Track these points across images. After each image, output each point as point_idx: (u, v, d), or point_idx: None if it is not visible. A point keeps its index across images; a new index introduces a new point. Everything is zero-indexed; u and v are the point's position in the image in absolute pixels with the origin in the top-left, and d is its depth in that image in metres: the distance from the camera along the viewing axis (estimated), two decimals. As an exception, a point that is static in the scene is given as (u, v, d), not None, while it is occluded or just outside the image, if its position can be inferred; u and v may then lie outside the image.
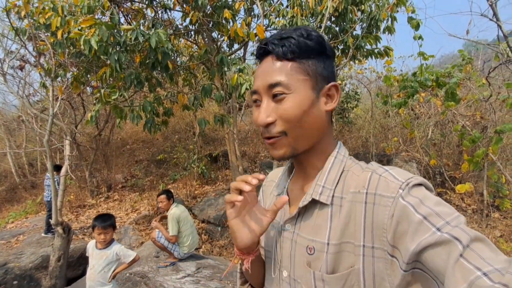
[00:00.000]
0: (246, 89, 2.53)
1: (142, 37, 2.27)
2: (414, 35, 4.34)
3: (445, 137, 5.18)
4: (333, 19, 3.40)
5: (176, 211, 2.94)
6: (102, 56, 2.49)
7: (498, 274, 0.35)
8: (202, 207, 4.97)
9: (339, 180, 0.55)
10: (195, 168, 6.34)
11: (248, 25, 3.11)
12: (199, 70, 4.91)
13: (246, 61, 4.48)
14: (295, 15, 3.10)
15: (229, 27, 2.99)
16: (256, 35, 2.57)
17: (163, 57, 2.38)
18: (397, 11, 3.99)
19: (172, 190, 6.49)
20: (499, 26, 2.88)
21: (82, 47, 2.18)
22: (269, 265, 0.64)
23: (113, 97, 2.51)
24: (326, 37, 0.68)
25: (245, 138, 8.02)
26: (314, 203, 0.56)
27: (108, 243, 2.16)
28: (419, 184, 0.47)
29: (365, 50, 3.72)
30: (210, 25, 3.38)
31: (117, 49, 2.42)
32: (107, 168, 7.78)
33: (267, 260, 0.65)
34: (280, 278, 0.60)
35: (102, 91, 2.58)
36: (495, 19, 2.46)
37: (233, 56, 3.55)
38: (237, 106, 4.31)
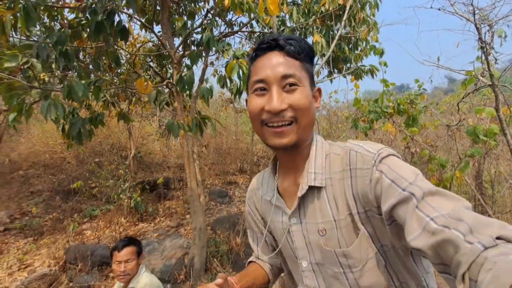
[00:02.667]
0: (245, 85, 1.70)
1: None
2: (380, 62, 4.36)
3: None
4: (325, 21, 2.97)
5: (152, 280, 1.63)
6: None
7: (442, 218, 0.43)
8: (140, 255, 3.57)
9: (325, 163, 0.63)
10: (126, 200, 4.83)
11: None
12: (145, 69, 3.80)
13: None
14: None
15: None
16: (266, 10, 1.78)
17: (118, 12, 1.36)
18: (375, 36, 3.93)
19: (89, 231, 4.75)
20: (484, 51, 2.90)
21: None
22: (292, 265, 0.71)
23: (5, 65, 1.26)
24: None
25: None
26: (310, 190, 0.62)
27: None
28: (388, 154, 0.56)
29: (350, 66, 3.41)
30: None
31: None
32: (-20, 204, 5.37)
33: (289, 261, 0.72)
34: (300, 270, 0.66)
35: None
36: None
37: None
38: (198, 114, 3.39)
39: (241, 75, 1.78)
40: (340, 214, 0.59)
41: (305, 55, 0.62)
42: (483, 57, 3.06)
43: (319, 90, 0.67)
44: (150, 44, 3.76)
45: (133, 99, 3.80)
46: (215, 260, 3.35)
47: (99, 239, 4.38)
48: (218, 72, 4.93)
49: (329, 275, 0.62)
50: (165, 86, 3.09)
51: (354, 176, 0.57)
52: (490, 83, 3.08)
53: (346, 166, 0.59)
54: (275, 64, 0.60)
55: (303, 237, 0.64)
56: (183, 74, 1.97)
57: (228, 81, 1.99)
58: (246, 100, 0.69)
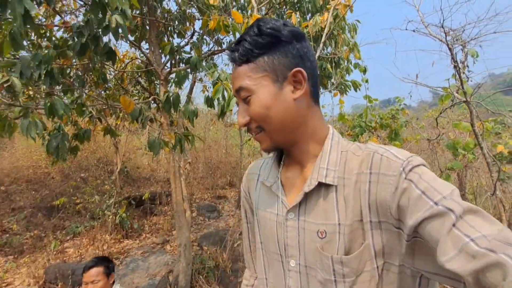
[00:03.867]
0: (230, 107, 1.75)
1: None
2: (362, 78, 4.54)
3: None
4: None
5: None
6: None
7: (485, 240, 0.38)
8: (124, 272, 3.47)
9: (340, 161, 0.57)
10: (111, 216, 4.73)
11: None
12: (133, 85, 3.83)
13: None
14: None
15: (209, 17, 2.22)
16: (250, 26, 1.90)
17: (109, 30, 1.40)
18: (358, 55, 4.11)
19: (72, 249, 4.60)
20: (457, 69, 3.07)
21: None
22: (270, 258, 0.65)
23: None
24: (287, 21, 0.59)
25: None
26: (318, 186, 0.56)
27: None
28: (420, 163, 0.50)
29: (334, 82, 3.54)
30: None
31: None
32: (-43, 222, 5.16)
33: (267, 254, 0.66)
34: (285, 268, 0.61)
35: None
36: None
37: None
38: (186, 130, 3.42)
39: (225, 97, 1.84)
40: (347, 219, 0.53)
41: (259, 49, 0.55)
42: (457, 76, 3.25)
43: (300, 71, 0.56)
44: (139, 60, 3.82)
45: (120, 114, 3.81)
46: (201, 277, 3.29)
47: (81, 257, 4.24)
48: (207, 89, 5.01)
49: (316, 280, 0.57)
50: (152, 102, 3.13)
51: (375, 181, 0.52)
52: (465, 99, 3.25)
53: (366, 169, 0.53)
54: (232, 79, 0.60)
55: (297, 235, 0.58)
56: (169, 95, 2.01)
57: (216, 102, 2.04)
58: None
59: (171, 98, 1.98)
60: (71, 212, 5.67)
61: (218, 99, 1.88)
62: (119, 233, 4.76)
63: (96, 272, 1.61)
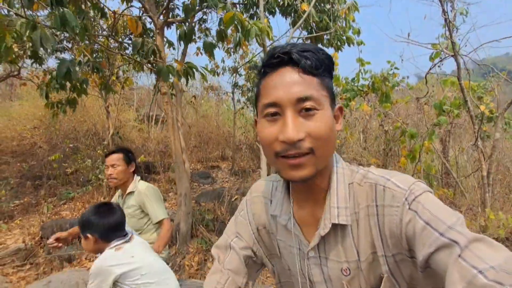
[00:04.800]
0: (256, 34, 1.75)
1: None
2: (357, 41, 4.60)
3: (376, 139, 5.63)
4: None
5: (148, 187, 1.78)
6: None
7: (493, 272, 0.37)
8: (123, 226, 3.51)
9: (349, 195, 0.56)
10: (105, 180, 4.70)
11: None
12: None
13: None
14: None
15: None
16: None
17: None
18: (351, 16, 4.15)
19: (67, 212, 4.57)
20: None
21: None
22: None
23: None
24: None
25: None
26: (334, 227, 0.55)
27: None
28: (422, 192, 0.49)
29: (330, 33, 3.59)
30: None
31: None
32: None
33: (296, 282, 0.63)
34: None
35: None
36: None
37: None
38: (180, 85, 3.40)
39: (239, 28, 1.82)
40: (366, 253, 0.54)
41: (324, 69, 0.53)
42: (446, 29, 3.38)
43: (341, 108, 0.57)
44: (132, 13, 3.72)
45: (116, 70, 3.74)
46: (201, 226, 3.38)
47: (78, 218, 4.24)
48: (200, 51, 4.93)
49: None
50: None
51: (382, 214, 0.52)
52: (453, 53, 3.40)
53: (371, 202, 0.53)
54: (289, 83, 0.51)
55: (321, 272, 0.58)
56: (183, 29, 1.99)
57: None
58: (255, 121, 0.61)
59: (184, 32, 1.97)
60: (62, 181, 5.58)
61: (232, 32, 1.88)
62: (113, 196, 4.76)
63: (116, 157, 1.73)
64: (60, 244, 1.53)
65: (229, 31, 2.03)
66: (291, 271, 0.65)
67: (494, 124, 3.76)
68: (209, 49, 1.97)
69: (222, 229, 3.67)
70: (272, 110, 0.52)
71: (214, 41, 2.02)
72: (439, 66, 3.63)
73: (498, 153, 4.49)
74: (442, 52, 3.54)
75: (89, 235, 1.28)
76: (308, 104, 0.50)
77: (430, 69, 3.77)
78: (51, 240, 1.52)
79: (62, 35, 3.48)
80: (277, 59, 0.53)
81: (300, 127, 0.50)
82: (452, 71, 4.09)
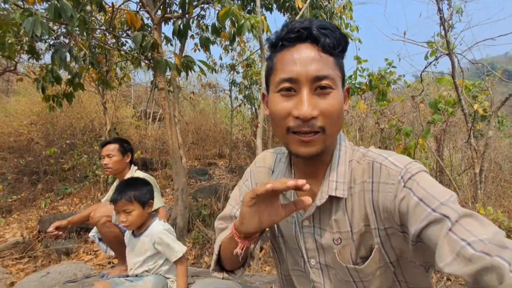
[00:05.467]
0: (248, 30, 1.79)
1: None
2: (354, 38, 4.65)
3: (372, 137, 5.68)
4: None
5: (145, 176, 1.79)
6: None
7: (481, 244, 0.39)
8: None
9: (347, 171, 0.58)
10: (102, 176, 4.72)
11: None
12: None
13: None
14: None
15: None
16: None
17: None
18: (348, 14, 4.18)
19: (64, 207, 4.59)
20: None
21: None
22: (292, 256, 0.69)
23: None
24: None
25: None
26: (329, 199, 0.58)
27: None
28: (418, 171, 0.51)
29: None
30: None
31: None
32: None
33: (289, 251, 0.68)
34: (307, 266, 0.64)
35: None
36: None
37: None
38: (178, 82, 3.42)
39: (235, 22, 1.86)
40: (358, 225, 0.57)
41: (342, 47, 0.54)
42: (441, 28, 3.42)
43: (348, 90, 0.60)
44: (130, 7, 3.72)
45: (114, 65, 3.75)
46: (198, 221, 3.42)
47: (76, 212, 4.26)
48: (198, 47, 4.94)
49: (337, 278, 0.62)
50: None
51: (376, 190, 0.54)
52: (448, 52, 3.45)
53: (368, 179, 0.56)
54: (307, 60, 0.51)
55: (314, 241, 0.61)
56: (178, 24, 2.02)
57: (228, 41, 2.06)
58: (263, 95, 0.62)
59: (179, 27, 2.00)
60: (59, 177, 5.59)
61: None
62: (111, 192, 4.78)
63: (112, 147, 1.77)
64: (60, 233, 1.56)
65: (227, 28, 2.06)
66: (284, 237, 0.68)
67: (488, 123, 3.82)
68: (205, 43, 2.00)
69: (218, 224, 3.72)
70: (287, 85, 0.52)
71: (210, 36, 2.05)
72: (434, 65, 3.69)
73: (491, 151, 4.55)
74: (437, 51, 3.59)
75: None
76: (324, 83, 0.51)
77: (426, 67, 3.83)
78: (51, 228, 1.55)
79: (59, 30, 3.49)
80: (296, 34, 0.52)
81: (314, 105, 0.51)
82: (448, 70, 4.15)
